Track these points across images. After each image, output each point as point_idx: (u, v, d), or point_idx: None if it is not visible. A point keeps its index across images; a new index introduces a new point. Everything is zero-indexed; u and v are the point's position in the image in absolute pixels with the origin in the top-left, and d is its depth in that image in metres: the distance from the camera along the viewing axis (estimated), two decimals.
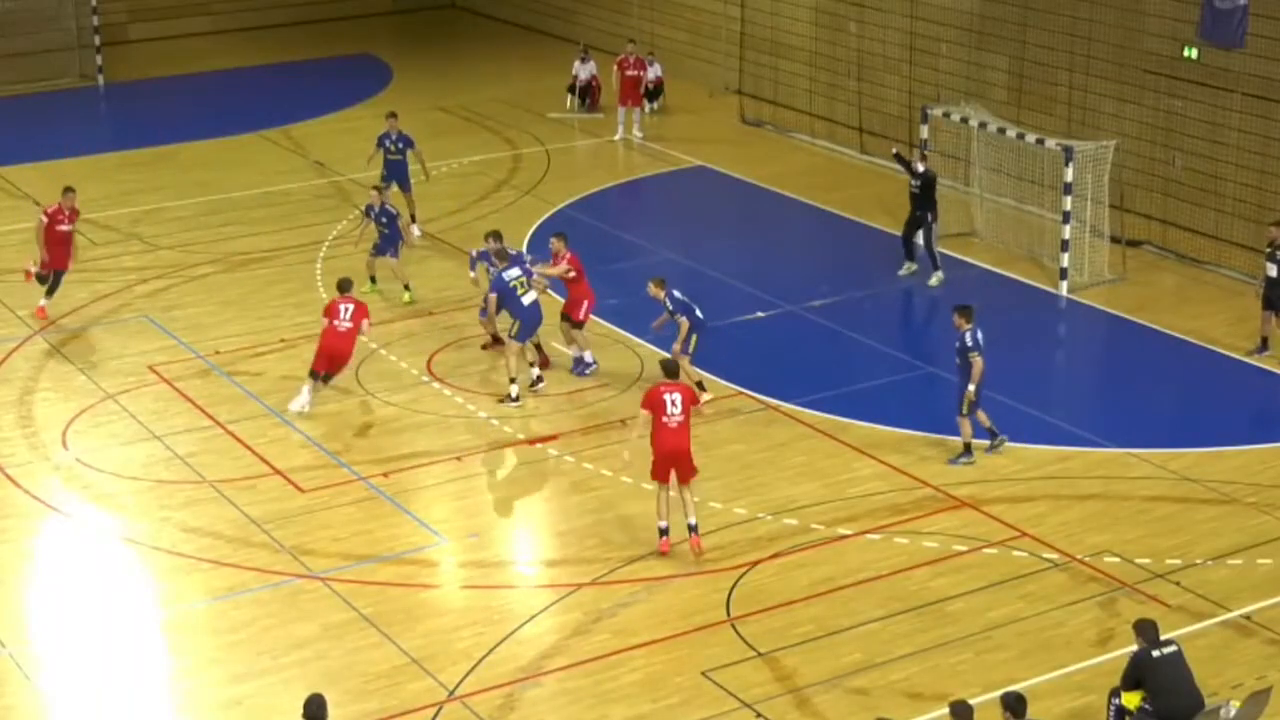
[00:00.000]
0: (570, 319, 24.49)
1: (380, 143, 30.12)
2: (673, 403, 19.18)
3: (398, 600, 18.84)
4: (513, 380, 23.48)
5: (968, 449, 21.70)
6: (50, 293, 26.60)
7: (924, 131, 30.15)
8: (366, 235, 28.01)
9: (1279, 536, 19.89)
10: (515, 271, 23.82)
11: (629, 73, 35.72)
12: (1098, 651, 17.58)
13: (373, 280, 27.38)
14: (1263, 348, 24.72)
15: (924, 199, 27.72)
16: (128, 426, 23.06)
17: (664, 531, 19.53)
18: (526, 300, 23.59)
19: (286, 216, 31.34)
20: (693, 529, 19.45)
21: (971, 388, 21.46)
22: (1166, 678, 15.39)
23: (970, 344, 21.60)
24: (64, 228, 26.57)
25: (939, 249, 27.93)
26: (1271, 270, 24.39)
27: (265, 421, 23.09)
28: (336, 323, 23.31)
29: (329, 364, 23.34)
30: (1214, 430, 22.76)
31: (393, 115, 30.52)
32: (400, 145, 29.98)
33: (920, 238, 27.88)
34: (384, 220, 27.31)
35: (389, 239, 27.32)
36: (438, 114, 38.00)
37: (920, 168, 27.75)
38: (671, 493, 19.43)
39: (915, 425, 22.76)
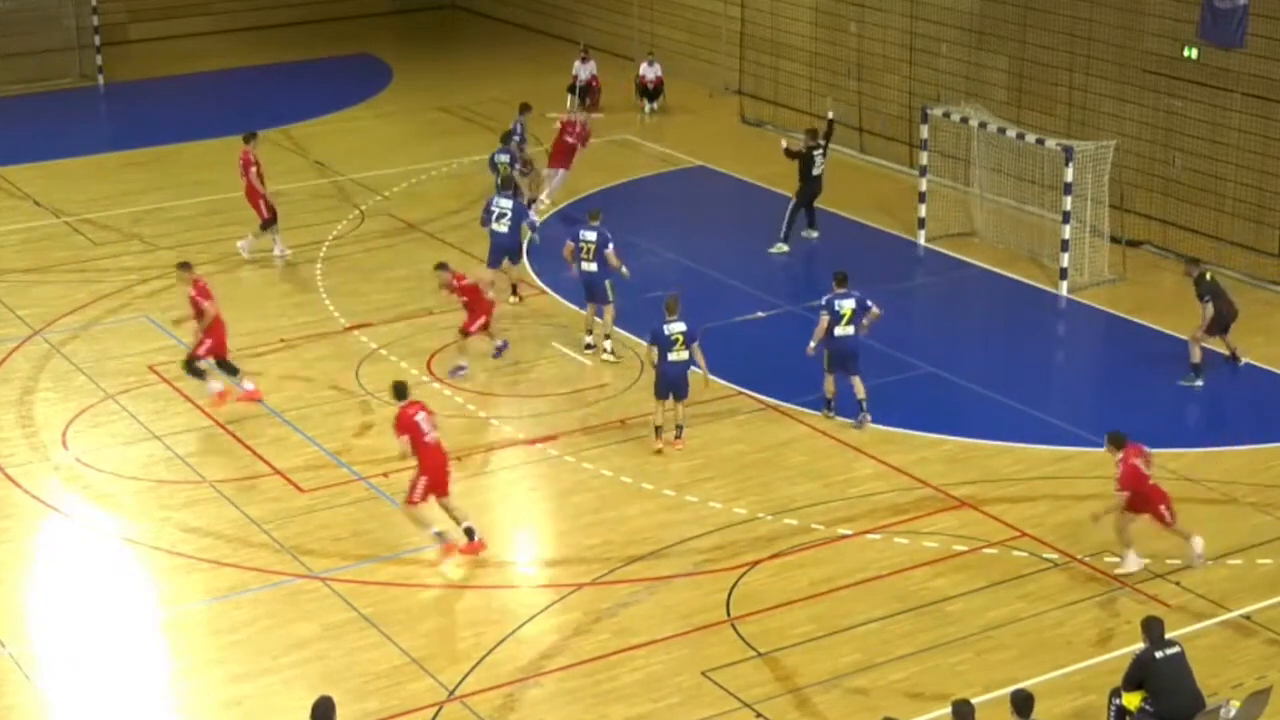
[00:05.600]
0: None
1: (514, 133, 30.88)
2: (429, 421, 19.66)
3: (398, 600, 18.84)
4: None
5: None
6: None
7: (924, 131, 30.16)
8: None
9: (1279, 536, 19.90)
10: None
11: (568, 138, 31.91)
12: (1098, 651, 17.58)
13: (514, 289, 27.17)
14: (1234, 359, 24.55)
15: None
16: (128, 426, 23.06)
17: (441, 535, 19.71)
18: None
19: (286, 216, 31.25)
20: (469, 532, 19.72)
21: (812, 344, 22.67)
22: (1168, 679, 15.39)
23: (822, 303, 22.69)
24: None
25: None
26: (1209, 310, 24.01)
27: (265, 421, 23.09)
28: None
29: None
30: (1214, 430, 22.75)
31: (527, 107, 31.74)
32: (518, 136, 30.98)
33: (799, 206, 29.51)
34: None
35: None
36: (438, 114, 38.02)
37: (797, 147, 29.43)
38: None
39: (915, 425, 22.77)
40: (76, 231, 30.59)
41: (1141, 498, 18.98)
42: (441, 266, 24.25)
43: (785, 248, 29.16)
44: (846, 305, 22.59)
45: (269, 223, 28.90)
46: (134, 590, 19.41)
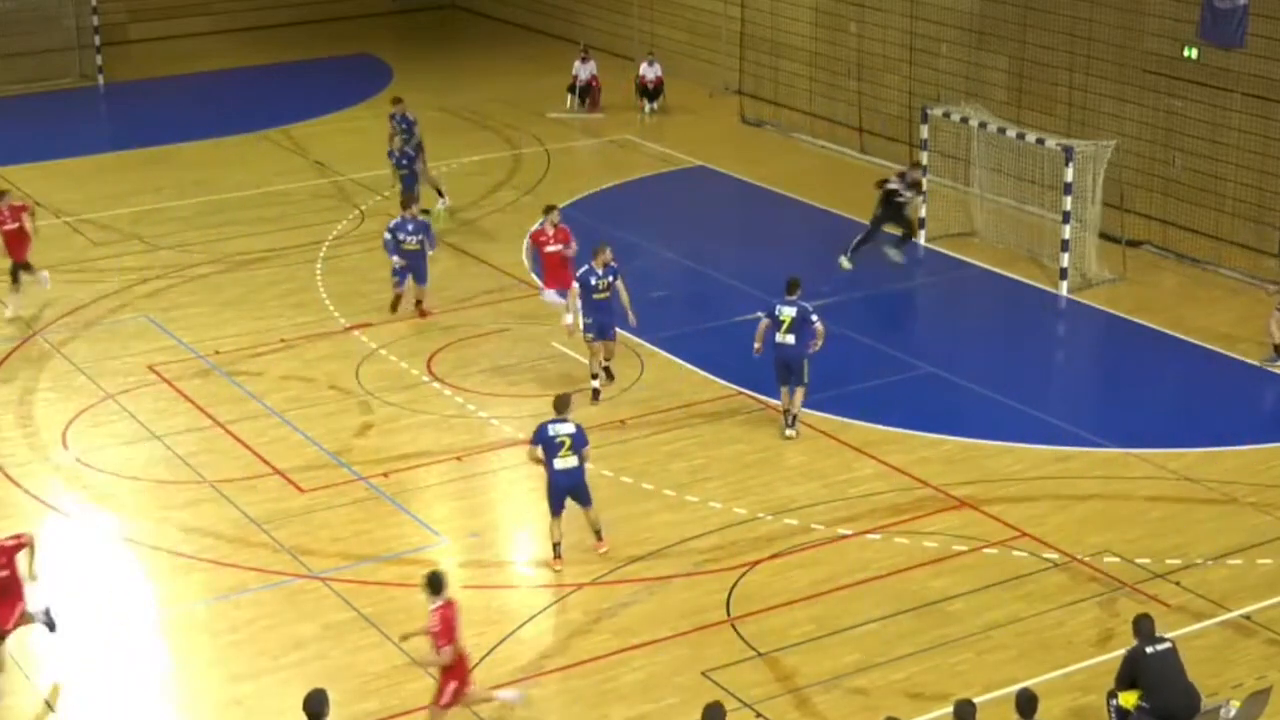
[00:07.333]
0: None
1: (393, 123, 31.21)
2: None
3: (398, 600, 18.83)
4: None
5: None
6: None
7: (924, 131, 30.16)
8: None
9: (1279, 536, 19.89)
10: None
11: (548, 249, 25.50)
12: (1098, 651, 17.57)
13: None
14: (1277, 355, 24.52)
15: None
16: (128, 426, 23.06)
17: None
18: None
19: (286, 216, 31.36)
20: None
21: (756, 344, 22.37)
22: (1158, 675, 15.40)
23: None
24: (9, 226, 26.51)
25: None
26: None
27: (265, 421, 23.09)
28: None
29: None
30: (1214, 430, 22.76)
31: (399, 100, 31.86)
32: (404, 126, 31.13)
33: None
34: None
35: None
36: (438, 114, 37.99)
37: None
38: None
39: (915, 425, 22.76)
40: (76, 231, 30.59)
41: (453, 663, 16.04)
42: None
43: (849, 265, 28.34)
44: (787, 312, 22.21)
45: (19, 272, 26.52)
46: (134, 590, 19.41)
